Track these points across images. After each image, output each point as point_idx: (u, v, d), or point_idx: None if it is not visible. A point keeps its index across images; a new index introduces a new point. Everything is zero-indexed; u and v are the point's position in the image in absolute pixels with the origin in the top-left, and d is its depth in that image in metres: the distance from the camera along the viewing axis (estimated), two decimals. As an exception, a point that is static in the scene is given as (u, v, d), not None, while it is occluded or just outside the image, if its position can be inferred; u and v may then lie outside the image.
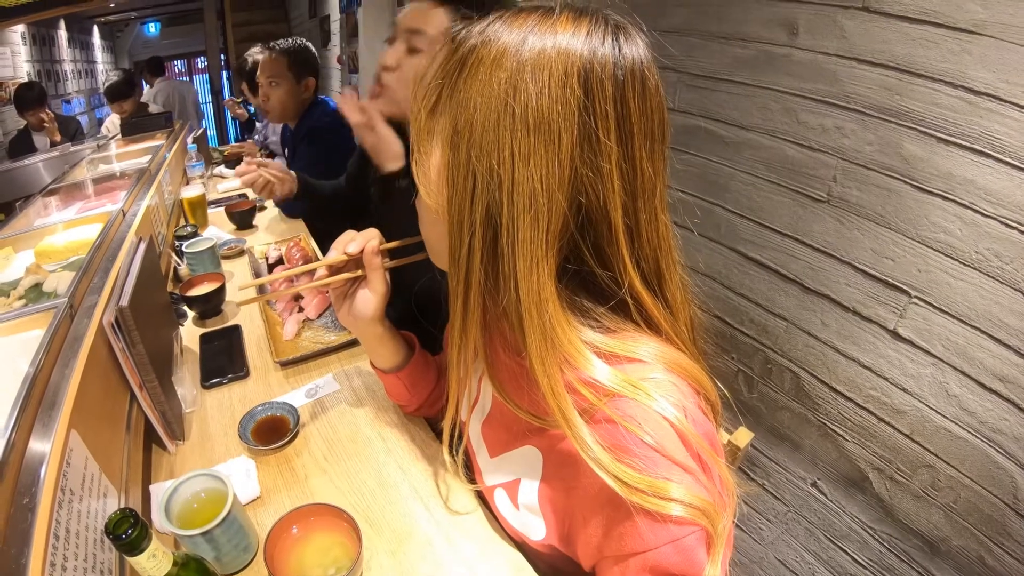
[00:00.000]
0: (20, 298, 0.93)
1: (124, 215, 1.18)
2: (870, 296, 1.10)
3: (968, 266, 0.95)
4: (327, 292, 1.03)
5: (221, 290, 1.18)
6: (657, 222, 0.48)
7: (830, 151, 1.12)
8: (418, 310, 0.83)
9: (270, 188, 1.43)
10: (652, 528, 0.42)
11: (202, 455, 0.82)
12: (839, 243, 1.14)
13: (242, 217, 1.72)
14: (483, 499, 0.70)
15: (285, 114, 1.96)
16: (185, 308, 1.18)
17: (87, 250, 0.96)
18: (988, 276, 0.93)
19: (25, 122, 3.23)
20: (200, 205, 1.68)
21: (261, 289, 1.20)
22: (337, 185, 1.56)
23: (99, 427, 0.65)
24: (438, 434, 0.83)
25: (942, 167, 0.96)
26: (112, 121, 3.50)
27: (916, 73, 0.96)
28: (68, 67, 5.23)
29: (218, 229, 1.69)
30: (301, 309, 1.15)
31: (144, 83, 4.62)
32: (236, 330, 1.12)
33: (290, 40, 1.93)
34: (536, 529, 0.57)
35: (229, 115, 4.13)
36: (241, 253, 1.52)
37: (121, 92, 3.31)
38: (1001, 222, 0.90)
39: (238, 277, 1.39)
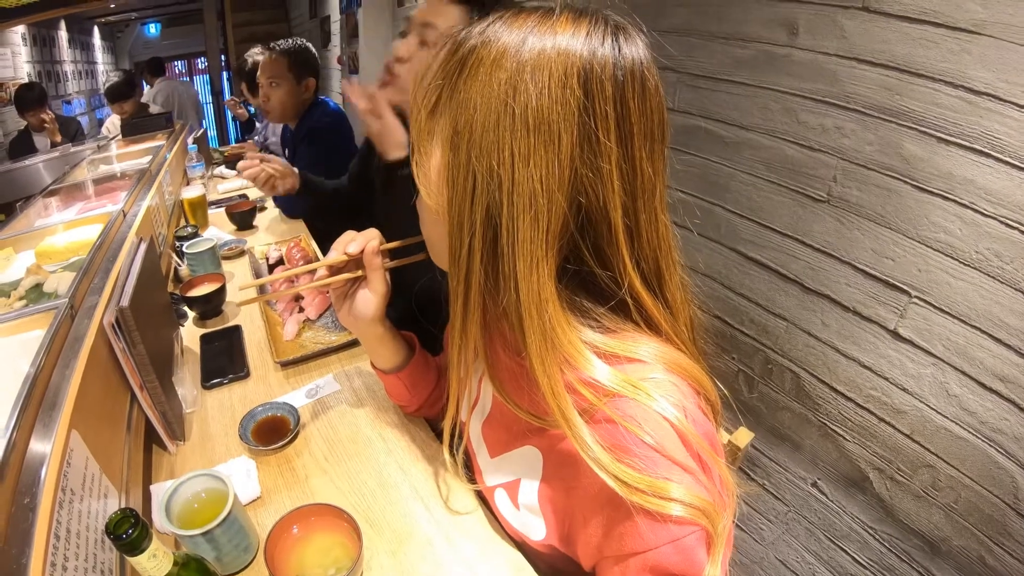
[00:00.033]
0: (21, 298, 0.94)
1: (125, 216, 1.18)
2: (870, 296, 1.10)
3: (968, 266, 0.95)
4: (327, 292, 1.03)
5: (221, 290, 1.19)
6: (657, 222, 0.48)
7: (830, 151, 1.12)
8: (418, 310, 0.83)
9: (272, 182, 1.43)
10: (652, 528, 0.42)
11: (202, 455, 0.82)
12: (839, 243, 1.14)
13: (242, 217, 1.72)
14: (483, 499, 0.70)
15: (285, 115, 1.95)
16: (185, 308, 1.18)
17: (88, 251, 0.97)
18: (988, 276, 0.93)
19: (25, 123, 3.24)
20: (200, 205, 1.68)
21: (261, 289, 1.20)
22: (339, 183, 1.56)
23: (100, 427, 0.65)
24: (438, 434, 0.83)
25: (942, 167, 0.96)
26: (112, 122, 3.50)
27: (916, 73, 0.96)
28: (68, 68, 5.23)
29: (218, 230, 1.69)
30: (301, 309, 1.15)
31: (144, 84, 4.62)
32: (236, 330, 1.13)
33: (290, 41, 1.93)
34: (536, 529, 0.57)
35: (230, 115, 4.13)
36: (241, 253, 1.52)
37: (121, 93, 3.31)
38: (1001, 222, 0.90)
39: (238, 277, 1.39)
